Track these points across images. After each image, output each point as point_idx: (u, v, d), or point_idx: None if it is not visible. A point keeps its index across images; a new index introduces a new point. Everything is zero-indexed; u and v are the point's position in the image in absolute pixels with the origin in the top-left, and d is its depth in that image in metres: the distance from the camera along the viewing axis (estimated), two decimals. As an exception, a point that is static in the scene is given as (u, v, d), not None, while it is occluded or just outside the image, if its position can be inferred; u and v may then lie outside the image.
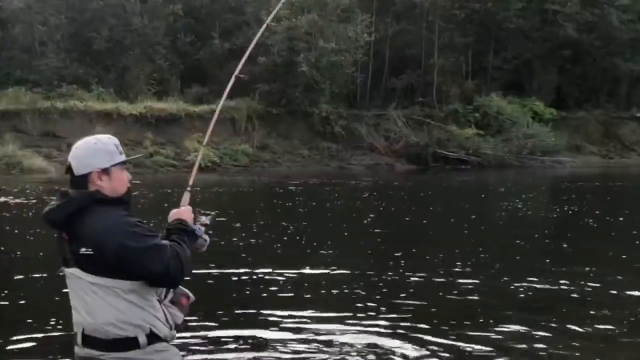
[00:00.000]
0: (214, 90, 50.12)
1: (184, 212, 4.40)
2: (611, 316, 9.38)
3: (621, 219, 20.46)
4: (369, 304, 9.98)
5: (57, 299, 9.83)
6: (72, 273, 4.08)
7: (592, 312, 9.56)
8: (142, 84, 49.32)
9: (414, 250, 15.16)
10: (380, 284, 11.29)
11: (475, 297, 10.54)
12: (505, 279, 11.64)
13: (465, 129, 50.92)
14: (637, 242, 16.22)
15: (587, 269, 12.54)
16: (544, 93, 56.63)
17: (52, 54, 48.92)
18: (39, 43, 49.35)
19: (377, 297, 10.45)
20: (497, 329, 8.74)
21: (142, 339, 4.02)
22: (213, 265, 12.20)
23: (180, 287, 4.31)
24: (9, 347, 7.97)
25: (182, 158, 43.21)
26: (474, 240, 16.87)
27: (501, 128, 51.85)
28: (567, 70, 58.44)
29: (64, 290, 4.39)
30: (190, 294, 4.43)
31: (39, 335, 8.35)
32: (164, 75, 51.11)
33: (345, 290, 10.85)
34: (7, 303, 10.10)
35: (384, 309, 9.67)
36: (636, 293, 10.71)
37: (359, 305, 9.91)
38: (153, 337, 4.07)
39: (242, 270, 12.18)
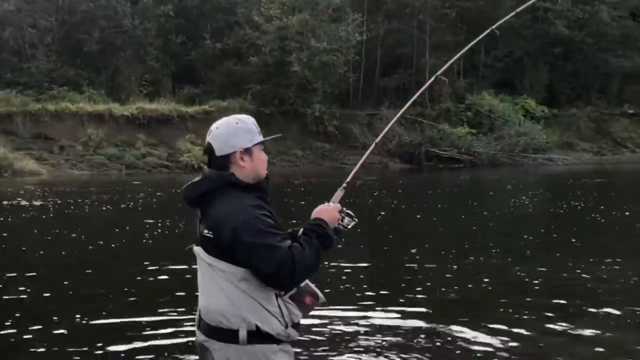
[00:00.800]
0: (206, 90, 50.11)
1: (328, 211, 4.16)
2: (621, 304, 9.77)
3: (627, 213, 20.67)
4: (386, 295, 10.43)
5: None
6: (197, 252, 4.01)
7: (603, 300, 10.04)
8: (134, 85, 49.20)
9: (426, 245, 15.27)
10: (397, 277, 11.65)
11: (489, 289, 10.98)
12: (519, 273, 12.02)
13: (458, 128, 50.95)
14: None
15: (595, 260, 13.00)
16: (535, 91, 56.74)
17: (42, 56, 48.70)
18: (29, 45, 49.02)
19: (394, 288, 10.84)
20: (511, 318, 9.11)
21: (242, 335, 3.84)
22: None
23: (308, 284, 4.08)
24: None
25: (175, 159, 43.12)
26: (484, 236, 17.20)
27: (493, 126, 51.85)
28: (558, 67, 58.54)
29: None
30: (320, 294, 4.13)
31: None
32: (155, 76, 50.95)
33: (364, 283, 11.15)
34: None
35: (402, 300, 10.01)
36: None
37: (377, 296, 10.34)
38: (258, 336, 3.87)
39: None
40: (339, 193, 4.48)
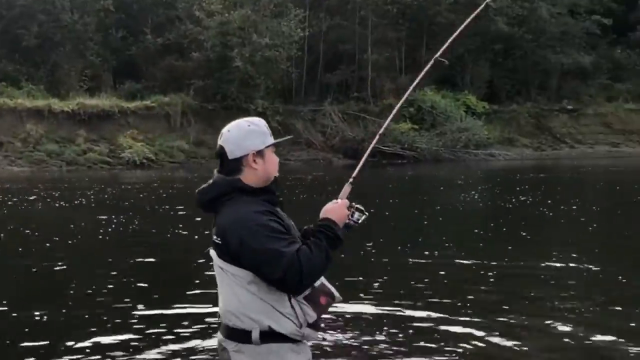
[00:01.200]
0: (148, 86, 49.63)
1: (336, 209, 4.10)
2: (574, 292, 10.55)
3: (574, 207, 21.07)
4: (346, 287, 10.53)
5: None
6: (212, 256, 3.99)
7: (555, 289, 10.67)
8: (74, 81, 48.52)
9: (381, 240, 15.34)
10: (355, 270, 11.76)
11: (445, 281, 11.30)
12: (473, 265, 12.39)
13: (400, 124, 50.99)
14: (590, 228, 17.08)
15: (545, 252, 13.53)
16: (476, 87, 57.24)
17: (-21, 51, 47.81)
18: (-34, 40, 48.14)
19: (352, 281, 11.05)
20: (468, 307, 9.54)
21: (255, 335, 3.84)
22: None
23: (324, 283, 4.02)
24: None
25: (117, 155, 42.62)
26: (437, 230, 17.49)
27: (435, 122, 52.09)
28: (499, 63, 59.13)
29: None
30: (336, 293, 4.06)
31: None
32: (96, 71, 50.36)
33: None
34: None
35: (361, 294, 10.24)
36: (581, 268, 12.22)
37: (336, 288, 10.42)
38: (272, 336, 3.85)
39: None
40: (347, 188, 4.36)
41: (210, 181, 4.02)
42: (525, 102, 59.23)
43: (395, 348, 7.91)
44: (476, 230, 17.09)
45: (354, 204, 4.17)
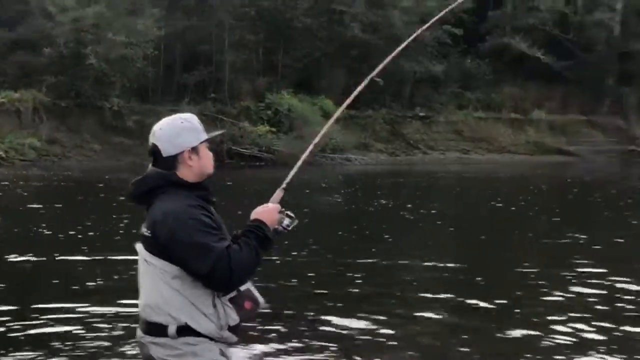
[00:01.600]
0: (-1, 81, 47.99)
1: (267, 212, 4.09)
2: (435, 289, 11.19)
3: (433, 211, 21.68)
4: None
5: None
6: (138, 249, 3.89)
7: (417, 286, 11.49)
8: None
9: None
10: None
11: (312, 282, 11.81)
12: (339, 266, 12.96)
13: (258, 126, 51.19)
14: (448, 231, 17.74)
15: (405, 253, 14.45)
16: (333, 92, 57.63)
17: None
18: None
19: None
20: (342, 306, 9.94)
21: (172, 330, 3.74)
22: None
23: (250, 289, 3.96)
24: None
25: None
26: (302, 232, 17.34)
27: (292, 126, 52.35)
28: (355, 69, 59.66)
29: None
30: (260, 300, 4.01)
31: None
32: (-60, 66, 48.23)
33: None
34: None
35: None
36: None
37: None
38: (189, 330, 3.75)
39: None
40: (279, 193, 4.35)
41: (142, 175, 3.93)
42: (381, 109, 60.11)
43: (270, 337, 8.29)
44: (340, 232, 17.46)
45: (284, 210, 4.16)
